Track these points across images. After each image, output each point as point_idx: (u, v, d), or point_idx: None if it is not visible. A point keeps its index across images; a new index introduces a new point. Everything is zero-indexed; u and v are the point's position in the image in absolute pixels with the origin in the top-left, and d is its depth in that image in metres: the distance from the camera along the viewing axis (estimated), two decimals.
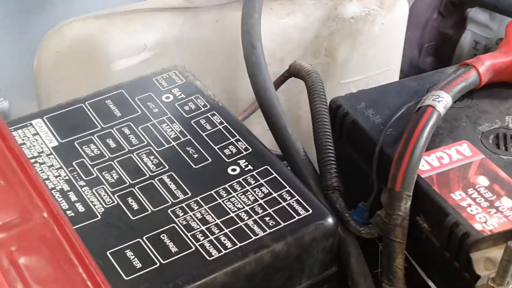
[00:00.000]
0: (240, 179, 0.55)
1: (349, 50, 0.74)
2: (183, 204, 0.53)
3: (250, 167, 0.56)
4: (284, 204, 0.53)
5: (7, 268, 0.38)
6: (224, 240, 0.51)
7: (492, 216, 0.53)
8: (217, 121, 0.59)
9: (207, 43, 0.69)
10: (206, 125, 0.59)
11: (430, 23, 0.92)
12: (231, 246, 0.51)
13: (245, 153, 0.57)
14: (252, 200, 0.53)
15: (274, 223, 0.52)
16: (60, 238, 0.40)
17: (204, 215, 0.52)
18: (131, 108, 0.60)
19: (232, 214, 0.53)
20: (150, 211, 0.53)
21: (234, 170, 0.56)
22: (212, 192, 0.54)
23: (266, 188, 0.54)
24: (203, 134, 0.58)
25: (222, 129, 0.59)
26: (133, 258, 0.50)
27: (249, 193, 0.54)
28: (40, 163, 0.56)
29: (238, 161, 0.56)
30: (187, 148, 0.57)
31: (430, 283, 0.56)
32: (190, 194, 0.54)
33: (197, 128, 0.59)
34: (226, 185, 0.54)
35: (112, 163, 0.56)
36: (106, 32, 0.68)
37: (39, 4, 0.80)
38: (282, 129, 0.61)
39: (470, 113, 0.61)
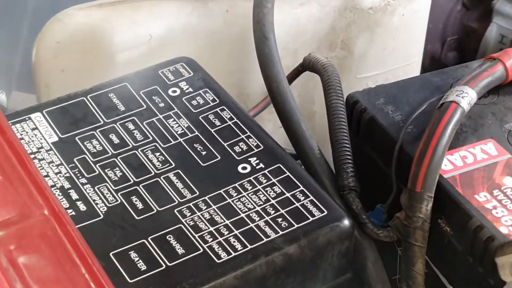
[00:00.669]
0: (251, 178, 0.55)
1: (367, 43, 0.74)
2: (191, 204, 0.54)
3: (261, 165, 0.56)
4: (297, 204, 0.54)
5: (5, 267, 0.38)
6: (234, 242, 0.51)
7: None
8: (226, 117, 0.60)
9: (216, 34, 0.70)
10: (215, 120, 0.60)
11: (453, 15, 0.92)
12: (241, 248, 0.51)
13: (256, 150, 0.57)
14: (263, 200, 0.54)
15: (286, 224, 0.52)
16: (62, 237, 0.40)
17: (213, 216, 0.53)
18: (136, 102, 0.61)
19: (243, 215, 0.53)
20: (155, 210, 0.53)
21: (244, 168, 0.56)
22: (221, 191, 0.54)
23: (279, 188, 0.55)
24: (212, 130, 0.59)
25: (232, 125, 0.59)
26: (138, 260, 0.50)
27: (260, 192, 0.54)
28: (40, 159, 0.56)
29: (249, 159, 0.57)
30: (194, 144, 0.58)
31: None
32: (198, 193, 0.54)
33: (206, 124, 0.59)
34: (236, 184, 0.55)
35: (116, 160, 0.57)
36: (110, 22, 0.68)
37: None
38: (296, 125, 0.61)
39: (496, 110, 0.61)
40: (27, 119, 0.60)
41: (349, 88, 0.66)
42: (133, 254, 0.51)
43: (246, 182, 0.55)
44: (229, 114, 0.60)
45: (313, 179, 0.57)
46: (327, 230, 0.53)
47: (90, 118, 0.60)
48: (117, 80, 0.63)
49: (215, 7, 0.70)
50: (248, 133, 0.59)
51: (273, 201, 0.54)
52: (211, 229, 0.52)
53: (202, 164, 0.56)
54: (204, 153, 0.57)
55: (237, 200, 0.54)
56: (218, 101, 0.61)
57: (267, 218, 0.53)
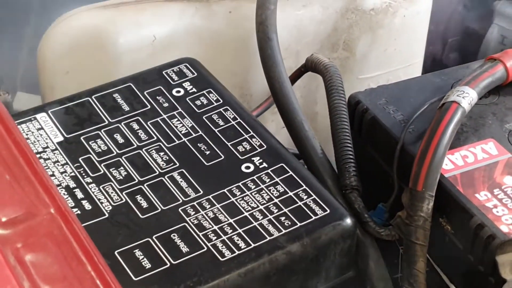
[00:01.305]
0: (255, 177, 0.56)
1: (368, 44, 0.74)
2: (195, 203, 0.54)
3: (265, 164, 0.57)
4: (300, 203, 0.54)
5: (13, 265, 0.38)
6: (238, 240, 0.52)
7: None
8: (230, 117, 0.60)
9: (220, 35, 0.70)
10: (218, 120, 0.60)
11: (454, 16, 0.92)
12: (245, 246, 0.51)
13: (259, 150, 0.58)
14: (267, 199, 0.54)
15: (289, 223, 0.53)
16: (68, 235, 0.40)
17: (217, 214, 0.53)
18: (140, 102, 0.61)
19: (246, 214, 0.53)
20: (160, 209, 0.54)
21: (248, 167, 0.56)
22: (225, 190, 0.55)
23: (282, 187, 0.55)
24: (216, 130, 0.59)
25: (236, 125, 0.59)
26: (142, 258, 0.50)
27: (263, 191, 0.55)
28: (45, 158, 0.57)
29: (252, 159, 0.57)
30: (198, 144, 0.58)
31: None
32: (201, 192, 0.55)
33: (209, 124, 0.60)
34: (240, 183, 0.55)
35: (120, 159, 0.57)
36: (114, 23, 0.68)
37: None
38: (298, 125, 0.62)
39: (496, 110, 0.62)
40: (32, 119, 0.60)
41: (351, 88, 0.66)
42: (138, 253, 0.51)
43: (249, 181, 0.55)
44: (233, 114, 0.60)
45: (316, 178, 0.57)
46: (330, 229, 0.53)
47: (95, 118, 0.60)
48: (121, 80, 0.63)
49: (218, 9, 0.70)
50: (252, 133, 0.59)
51: (276, 200, 0.54)
52: (215, 227, 0.52)
53: (206, 163, 0.57)
54: (208, 152, 0.57)
55: (240, 199, 0.54)
56: (221, 101, 0.61)
57: (270, 216, 0.53)
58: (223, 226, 0.52)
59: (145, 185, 0.55)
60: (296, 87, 0.67)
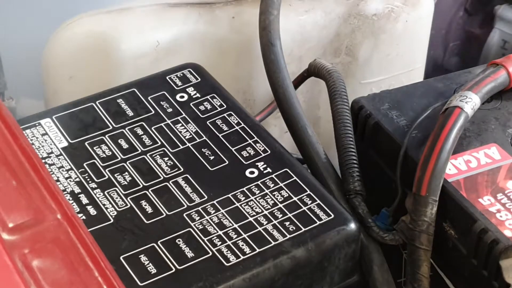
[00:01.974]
0: (259, 182, 0.56)
1: (371, 49, 0.74)
2: (199, 208, 0.54)
3: (269, 169, 0.57)
4: (304, 208, 0.54)
5: (21, 271, 0.38)
6: (242, 245, 0.52)
7: None
8: (234, 122, 0.60)
9: (223, 40, 0.70)
10: (222, 125, 0.60)
11: (455, 21, 0.92)
12: (250, 251, 0.51)
13: (263, 155, 0.58)
14: (271, 204, 0.54)
15: (294, 228, 0.53)
16: (75, 240, 0.40)
17: (221, 219, 0.53)
18: (144, 108, 0.61)
19: (251, 219, 0.53)
20: (164, 214, 0.54)
21: (252, 172, 0.57)
22: (230, 195, 0.55)
23: (286, 192, 0.55)
24: (220, 135, 0.59)
25: (240, 130, 0.60)
26: (148, 263, 0.51)
27: (268, 196, 0.55)
28: (50, 164, 0.57)
29: (257, 164, 0.57)
30: (203, 149, 0.58)
31: None
32: (206, 197, 0.55)
33: (213, 129, 0.60)
34: (244, 188, 0.55)
35: (125, 164, 0.57)
36: (118, 28, 0.68)
37: None
38: (302, 130, 0.62)
39: (499, 115, 0.62)
40: (37, 124, 0.60)
41: (353, 93, 0.67)
42: (143, 258, 0.51)
43: (254, 186, 0.56)
44: (236, 119, 0.60)
45: (320, 183, 0.57)
46: (334, 234, 0.53)
47: (99, 124, 0.60)
48: (125, 85, 0.63)
49: (221, 14, 0.70)
50: (256, 138, 0.59)
51: (280, 205, 0.54)
52: (220, 232, 0.52)
53: (210, 168, 0.57)
54: (212, 157, 0.58)
55: (245, 204, 0.54)
56: (225, 106, 0.61)
57: (274, 221, 0.53)
58: (228, 231, 0.53)
59: (149, 190, 0.55)
60: (299, 92, 0.67)
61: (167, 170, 0.57)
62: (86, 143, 0.59)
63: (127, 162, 0.57)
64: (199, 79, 0.64)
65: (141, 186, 0.56)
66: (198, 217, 0.54)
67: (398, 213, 0.58)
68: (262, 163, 0.57)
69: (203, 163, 0.57)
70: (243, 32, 0.70)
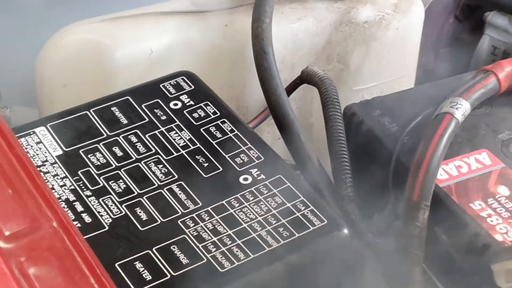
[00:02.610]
0: (253, 189, 0.56)
1: (362, 56, 0.75)
2: (194, 215, 0.54)
3: (262, 176, 0.57)
4: (298, 214, 0.54)
5: (17, 279, 0.38)
6: (237, 251, 0.52)
7: None
8: (227, 129, 0.60)
9: (216, 48, 0.70)
10: (216, 133, 0.60)
11: (446, 27, 0.92)
12: (244, 257, 0.52)
13: (257, 161, 0.58)
14: (265, 210, 0.55)
15: (288, 234, 0.53)
16: (70, 248, 0.41)
17: (216, 226, 0.54)
18: (138, 115, 0.62)
19: (245, 225, 0.54)
20: (159, 221, 0.54)
21: (246, 179, 0.57)
22: (224, 202, 0.55)
23: (280, 198, 0.55)
24: (213, 142, 0.59)
25: (233, 137, 0.60)
26: (143, 270, 0.51)
27: (262, 203, 0.55)
28: (44, 172, 0.57)
29: (250, 170, 0.57)
30: (196, 156, 0.58)
31: None
32: (200, 204, 0.55)
33: (207, 136, 0.60)
34: (238, 195, 0.56)
35: (119, 172, 0.57)
36: (111, 37, 0.69)
37: (42, 5, 0.81)
38: (295, 137, 0.62)
39: (489, 121, 0.62)
40: (31, 133, 0.60)
41: (345, 99, 0.67)
42: (138, 265, 0.51)
43: (247, 193, 0.56)
44: (230, 127, 0.61)
45: (313, 189, 0.57)
46: (327, 239, 0.53)
47: (93, 131, 0.60)
48: (119, 94, 0.63)
49: (214, 22, 0.71)
50: (249, 145, 0.59)
51: (274, 211, 0.55)
52: (214, 239, 0.53)
53: (204, 175, 0.57)
54: (206, 164, 0.58)
55: (239, 210, 0.55)
56: (218, 113, 0.62)
57: (268, 227, 0.54)
58: (222, 238, 0.53)
59: (144, 197, 0.56)
60: (292, 99, 0.67)
61: (162, 177, 0.57)
62: (80, 151, 0.59)
63: (122, 170, 0.58)
64: (193, 87, 0.64)
65: (136, 193, 0.56)
66: (193, 224, 0.54)
67: (391, 218, 0.58)
68: (256, 169, 0.58)
69: (197, 170, 0.58)
70: (236, 40, 0.70)
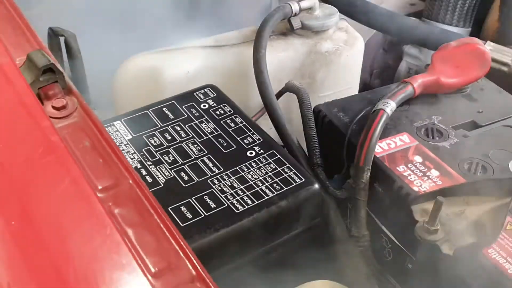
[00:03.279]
0: (256, 159, 0.56)
1: (325, 74, 0.75)
2: (218, 176, 0.55)
3: (262, 151, 0.57)
4: (285, 175, 0.55)
5: (109, 215, 0.39)
6: (246, 199, 0.52)
7: (425, 181, 0.54)
8: (238, 121, 0.61)
9: (230, 69, 0.70)
10: (231, 124, 0.60)
11: (377, 56, 0.93)
12: (251, 203, 0.52)
13: (258, 142, 0.58)
14: (264, 173, 0.55)
15: (279, 187, 0.53)
16: (141, 196, 0.41)
17: (232, 183, 0.54)
18: (180, 113, 0.62)
19: (251, 182, 0.54)
20: (196, 181, 0.54)
21: (251, 153, 0.57)
22: (237, 168, 0.55)
23: (273, 165, 0.56)
24: (229, 130, 0.60)
25: (242, 127, 0.60)
26: (186, 212, 0.51)
27: (261, 168, 0.55)
28: (121, 150, 0.57)
29: (254, 147, 0.58)
30: (219, 139, 0.59)
31: (384, 228, 0.57)
32: (222, 169, 0.55)
33: (225, 126, 0.60)
34: (246, 163, 0.56)
35: (169, 149, 0.57)
36: (163, 63, 0.68)
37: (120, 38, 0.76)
38: (282, 126, 0.63)
39: (408, 114, 0.62)
40: (111, 125, 0.60)
41: (314, 102, 0.66)
42: (183, 208, 0.51)
43: (252, 162, 0.56)
44: (240, 120, 0.61)
45: (295, 159, 0.57)
46: (304, 191, 0.54)
47: (152, 123, 0.60)
48: (168, 99, 0.63)
49: (229, 52, 0.71)
50: (253, 131, 0.59)
51: (270, 173, 0.55)
52: (232, 191, 0.53)
53: (224, 151, 0.57)
54: (225, 144, 0.58)
55: (247, 173, 0.55)
56: (232, 111, 0.62)
57: (266, 184, 0.54)
58: (237, 190, 0.53)
59: (185, 165, 0.56)
60: (280, 102, 0.67)
61: (196, 152, 0.57)
62: (143, 136, 0.59)
63: (171, 148, 0.58)
64: (215, 94, 0.64)
65: (180, 163, 0.56)
66: (217, 182, 0.54)
67: (345, 178, 0.58)
68: (258, 147, 0.58)
69: (219, 147, 0.58)
70: (243, 64, 0.70)
